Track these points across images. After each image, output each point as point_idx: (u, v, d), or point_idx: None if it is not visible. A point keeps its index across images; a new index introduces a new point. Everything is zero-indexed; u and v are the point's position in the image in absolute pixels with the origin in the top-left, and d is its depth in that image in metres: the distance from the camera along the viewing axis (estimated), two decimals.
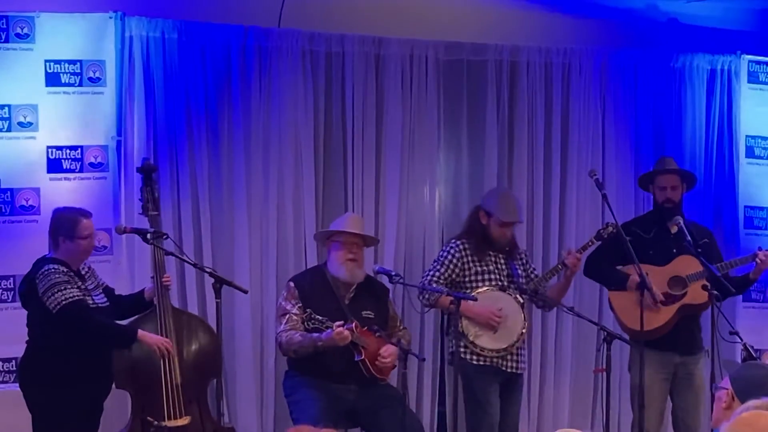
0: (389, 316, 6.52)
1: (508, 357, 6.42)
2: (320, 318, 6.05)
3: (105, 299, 5.91)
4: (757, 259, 6.60)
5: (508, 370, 6.44)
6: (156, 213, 6.08)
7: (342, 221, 6.47)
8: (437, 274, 6.43)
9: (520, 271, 6.56)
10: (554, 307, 6.89)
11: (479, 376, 6.35)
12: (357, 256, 6.36)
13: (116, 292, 6.11)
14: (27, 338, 5.85)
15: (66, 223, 5.81)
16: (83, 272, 5.89)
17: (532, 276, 6.62)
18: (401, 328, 6.59)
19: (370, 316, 6.34)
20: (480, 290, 6.36)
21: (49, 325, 5.68)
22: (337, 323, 6.02)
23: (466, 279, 6.45)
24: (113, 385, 5.94)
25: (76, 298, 5.66)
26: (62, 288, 5.63)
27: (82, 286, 5.77)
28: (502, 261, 6.52)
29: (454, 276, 6.44)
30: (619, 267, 6.64)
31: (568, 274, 6.51)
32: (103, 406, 5.93)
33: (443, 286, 6.37)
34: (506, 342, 6.39)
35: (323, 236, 6.60)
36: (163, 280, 5.95)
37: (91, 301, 5.78)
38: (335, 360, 6.15)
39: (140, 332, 5.80)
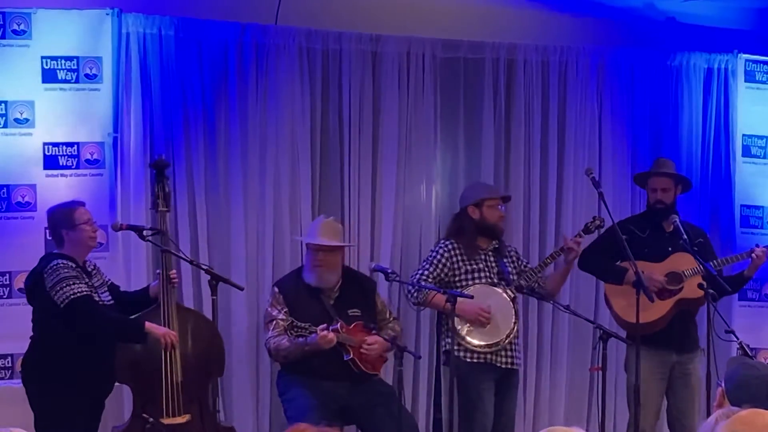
0: (377, 310, 6.52)
1: (502, 352, 6.42)
2: (302, 325, 6.07)
3: (110, 297, 5.89)
4: (753, 255, 6.62)
5: (503, 366, 6.43)
6: (166, 209, 6.06)
7: (313, 228, 6.46)
8: (426, 273, 6.43)
9: (510, 268, 6.56)
10: (553, 297, 6.87)
11: (473, 374, 6.34)
12: (323, 262, 6.34)
13: (120, 290, 6.10)
14: (32, 334, 5.83)
15: (63, 215, 5.81)
16: (89, 269, 5.87)
17: (526, 270, 6.61)
18: (391, 319, 6.59)
19: (357, 314, 6.34)
20: (470, 288, 6.36)
21: (55, 321, 5.66)
22: (321, 327, 6.03)
23: (456, 278, 6.45)
24: (115, 382, 5.93)
25: (85, 293, 5.64)
26: (70, 283, 5.61)
27: (90, 283, 5.76)
28: (492, 259, 6.52)
29: (443, 275, 6.44)
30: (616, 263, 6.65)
31: (570, 258, 6.51)
32: (104, 403, 5.92)
33: (432, 285, 6.37)
34: (497, 337, 6.38)
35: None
36: (171, 276, 5.94)
37: (97, 298, 5.77)
38: (326, 359, 6.15)
39: (147, 324, 5.79)
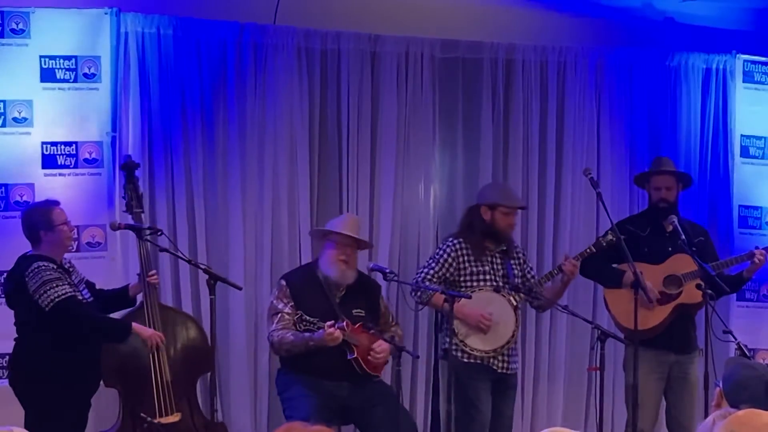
0: (381, 313, 6.51)
1: (499, 357, 6.42)
2: (311, 319, 6.07)
3: (89, 294, 5.91)
4: (755, 259, 6.60)
5: (499, 370, 6.43)
6: (140, 210, 6.09)
7: (339, 222, 6.43)
8: (431, 272, 6.43)
9: (516, 271, 6.55)
10: (549, 308, 6.89)
11: (470, 374, 6.34)
12: (349, 258, 6.34)
13: (98, 287, 6.10)
14: (16, 336, 5.84)
15: (41, 216, 5.80)
16: (66, 266, 5.88)
17: (529, 277, 6.61)
18: (393, 324, 6.58)
19: (361, 314, 6.34)
20: (474, 291, 6.36)
21: (40, 323, 5.66)
22: (328, 323, 6.03)
23: (461, 278, 6.44)
24: (100, 381, 5.94)
25: (69, 294, 5.65)
26: (54, 285, 5.61)
27: (71, 282, 5.77)
28: (499, 261, 6.51)
29: (448, 275, 6.44)
30: (614, 265, 6.65)
31: (565, 280, 6.51)
32: (90, 402, 5.92)
33: (437, 283, 6.37)
34: (496, 344, 6.38)
35: (319, 234, 6.60)
36: (149, 277, 5.95)
37: (80, 297, 5.78)
38: (327, 358, 6.15)
39: (134, 325, 5.80)
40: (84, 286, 5.92)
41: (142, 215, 6.13)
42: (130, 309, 6.03)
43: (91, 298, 5.90)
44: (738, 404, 3.67)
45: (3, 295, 6.36)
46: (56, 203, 5.89)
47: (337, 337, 6.02)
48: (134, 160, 6.24)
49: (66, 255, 5.96)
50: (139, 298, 6.04)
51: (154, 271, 6.05)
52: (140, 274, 5.98)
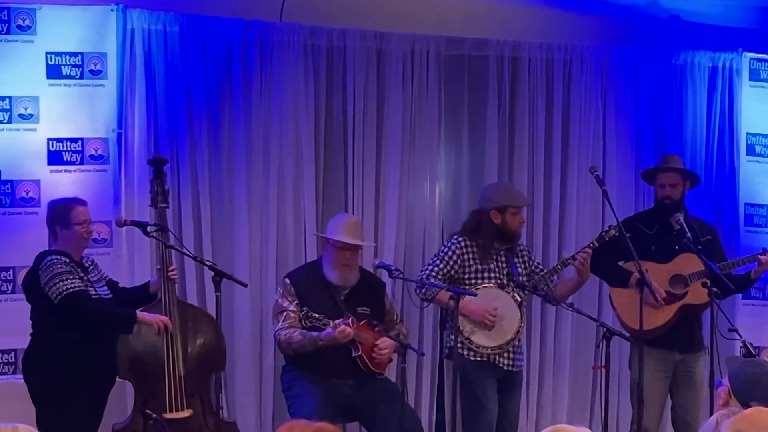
0: (386, 310, 6.51)
1: (504, 354, 6.42)
2: (317, 316, 6.05)
3: (108, 291, 5.92)
4: (762, 259, 6.59)
5: (505, 367, 6.43)
6: (165, 206, 6.09)
7: (338, 225, 6.39)
8: (436, 269, 6.43)
9: (520, 269, 6.54)
10: (560, 302, 6.85)
11: (476, 372, 6.34)
12: (350, 261, 6.34)
13: (119, 285, 6.11)
14: (31, 331, 5.85)
15: (60, 212, 5.85)
16: (86, 264, 5.90)
17: (537, 271, 6.60)
18: (398, 321, 6.58)
19: (365, 312, 6.34)
20: (479, 287, 6.36)
21: (52, 317, 5.69)
22: (337, 321, 6.02)
23: (465, 276, 6.44)
24: (116, 377, 5.94)
25: (78, 288, 5.67)
26: (64, 278, 5.65)
27: (84, 277, 5.80)
28: (503, 259, 6.51)
29: (452, 272, 6.44)
30: (620, 263, 6.65)
31: (578, 269, 6.43)
32: (107, 398, 5.93)
33: (442, 281, 6.37)
34: (500, 340, 6.38)
35: (320, 237, 6.61)
36: (169, 272, 5.95)
37: (93, 292, 5.80)
38: (332, 355, 6.14)
39: (139, 313, 5.80)
40: (104, 284, 5.94)
41: (167, 211, 6.13)
42: (149, 305, 6.01)
43: (110, 296, 5.91)
44: (748, 402, 3.67)
45: (9, 291, 6.39)
46: (81, 202, 5.92)
47: (348, 333, 6.02)
48: (163, 156, 6.22)
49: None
50: (159, 294, 6.04)
51: (173, 267, 6.05)
52: (160, 269, 5.97)
